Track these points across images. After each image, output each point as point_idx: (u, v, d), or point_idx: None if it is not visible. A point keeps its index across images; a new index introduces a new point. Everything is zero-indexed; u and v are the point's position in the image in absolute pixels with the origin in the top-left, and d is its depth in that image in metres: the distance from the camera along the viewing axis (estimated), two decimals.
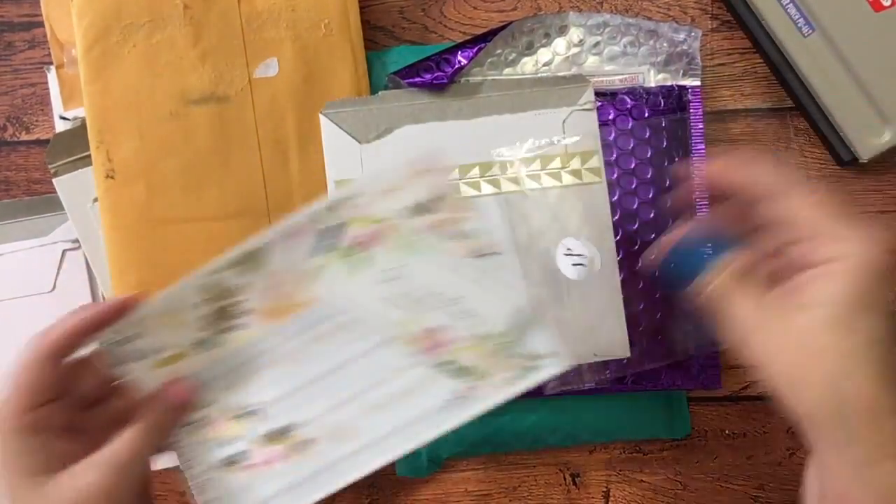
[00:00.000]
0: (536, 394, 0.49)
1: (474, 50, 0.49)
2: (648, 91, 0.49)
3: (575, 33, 0.50)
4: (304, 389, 0.41)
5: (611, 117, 0.49)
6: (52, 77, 0.52)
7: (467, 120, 0.48)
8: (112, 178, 0.47)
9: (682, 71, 0.50)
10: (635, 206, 0.48)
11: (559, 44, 0.50)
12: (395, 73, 0.49)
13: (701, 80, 0.50)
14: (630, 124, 0.49)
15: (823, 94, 0.50)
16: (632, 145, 0.49)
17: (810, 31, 0.49)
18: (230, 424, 0.41)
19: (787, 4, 0.49)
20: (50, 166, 0.50)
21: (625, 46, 0.50)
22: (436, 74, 0.49)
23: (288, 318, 0.40)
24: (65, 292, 0.51)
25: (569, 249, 0.48)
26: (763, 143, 0.52)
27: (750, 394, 0.53)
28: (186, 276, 0.39)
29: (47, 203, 0.51)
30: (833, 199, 0.34)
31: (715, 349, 0.49)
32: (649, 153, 0.49)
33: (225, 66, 0.48)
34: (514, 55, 0.50)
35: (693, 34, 0.50)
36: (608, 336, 0.48)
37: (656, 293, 0.48)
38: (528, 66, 0.51)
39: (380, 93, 0.49)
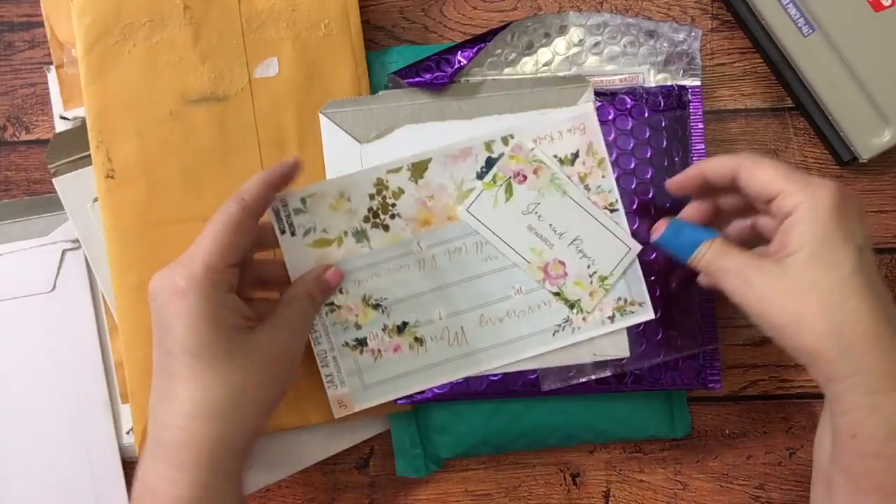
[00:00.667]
0: (536, 394, 0.49)
1: (474, 50, 0.49)
2: (648, 91, 0.49)
3: (575, 33, 0.50)
4: (429, 294, 0.47)
5: (610, 117, 0.49)
6: (51, 77, 0.52)
7: (467, 120, 0.48)
8: (112, 177, 0.47)
9: (681, 71, 0.50)
10: (635, 206, 0.48)
11: (559, 44, 0.50)
12: (395, 72, 0.49)
13: (701, 80, 0.50)
14: (630, 124, 0.49)
15: (823, 94, 0.50)
16: (632, 145, 0.49)
17: (810, 31, 0.49)
18: (358, 312, 0.47)
19: (787, 4, 0.49)
20: (50, 166, 0.50)
21: (625, 46, 0.50)
22: (436, 74, 0.49)
23: (433, 229, 0.47)
24: (65, 292, 0.51)
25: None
26: (763, 143, 0.53)
27: (750, 394, 0.53)
28: (362, 169, 0.47)
29: (47, 203, 0.51)
30: (782, 163, 0.39)
31: (715, 347, 0.49)
32: (649, 153, 0.49)
33: (225, 65, 0.48)
34: (514, 55, 0.51)
35: (693, 34, 0.50)
36: (608, 335, 0.48)
37: (656, 292, 0.48)
38: (527, 66, 0.51)
39: (380, 93, 0.49)
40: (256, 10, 0.48)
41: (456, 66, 0.49)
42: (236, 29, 0.48)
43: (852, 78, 0.49)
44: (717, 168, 0.41)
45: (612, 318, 0.48)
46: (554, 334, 0.48)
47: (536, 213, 0.47)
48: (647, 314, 0.48)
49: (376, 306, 0.47)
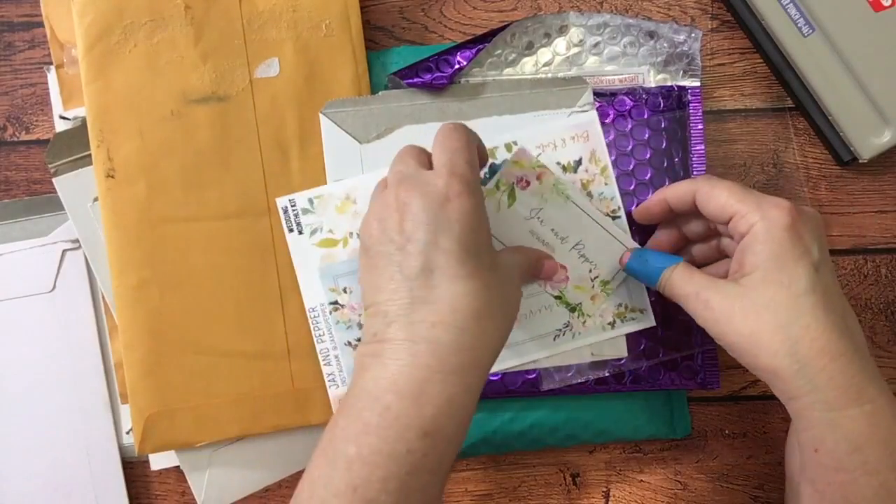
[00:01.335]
0: (536, 394, 0.49)
1: (474, 50, 0.49)
2: (648, 92, 0.49)
3: (575, 33, 0.50)
4: None
5: (610, 118, 0.49)
6: (51, 77, 0.52)
7: (467, 120, 0.48)
8: (112, 177, 0.47)
9: (681, 71, 0.50)
10: (634, 207, 0.48)
11: (559, 44, 0.51)
12: (396, 73, 0.49)
13: (701, 81, 0.50)
14: (629, 125, 0.49)
15: (823, 94, 0.50)
16: (631, 146, 0.49)
17: (810, 32, 0.49)
18: (361, 312, 0.47)
19: (787, 4, 0.49)
20: (50, 166, 0.50)
21: (625, 47, 0.50)
22: (436, 75, 0.49)
23: None
24: (65, 292, 0.51)
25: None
26: (763, 143, 0.53)
27: (750, 394, 0.53)
28: (369, 172, 0.48)
29: (47, 203, 0.51)
30: (737, 184, 0.40)
31: (713, 347, 0.49)
32: (648, 154, 0.49)
33: (226, 65, 0.48)
34: (514, 55, 0.51)
35: (693, 35, 0.50)
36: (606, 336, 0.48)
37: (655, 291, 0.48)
38: (527, 66, 0.51)
39: (380, 93, 0.49)
40: (257, 10, 0.48)
41: (456, 67, 0.49)
42: (237, 29, 0.48)
43: (852, 78, 0.49)
44: (678, 193, 0.42)
45: (612, 324, 0.48)
46: (555, 339, 0.48)
47: (539, 218, 0.47)
48: (648, 321, 0.48)
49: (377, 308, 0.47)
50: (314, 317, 0.48)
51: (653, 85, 0.50)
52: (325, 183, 0.48)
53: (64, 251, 0.51)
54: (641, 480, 0.53)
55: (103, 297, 0.51)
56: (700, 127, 0.50)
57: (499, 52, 0.50)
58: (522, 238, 0.47)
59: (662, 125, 0.49)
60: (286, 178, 0.49)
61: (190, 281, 0.48)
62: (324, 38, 0.49)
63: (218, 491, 0.50)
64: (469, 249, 0.35)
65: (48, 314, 0.51)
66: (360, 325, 0.47)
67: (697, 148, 0.50)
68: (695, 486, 0.53)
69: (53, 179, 0.50)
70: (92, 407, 0.51)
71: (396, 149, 0.44)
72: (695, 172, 0.49)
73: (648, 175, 0.49)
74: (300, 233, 0.47)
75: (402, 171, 0.38)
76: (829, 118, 0.50)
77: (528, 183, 0.47)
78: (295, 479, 0.52)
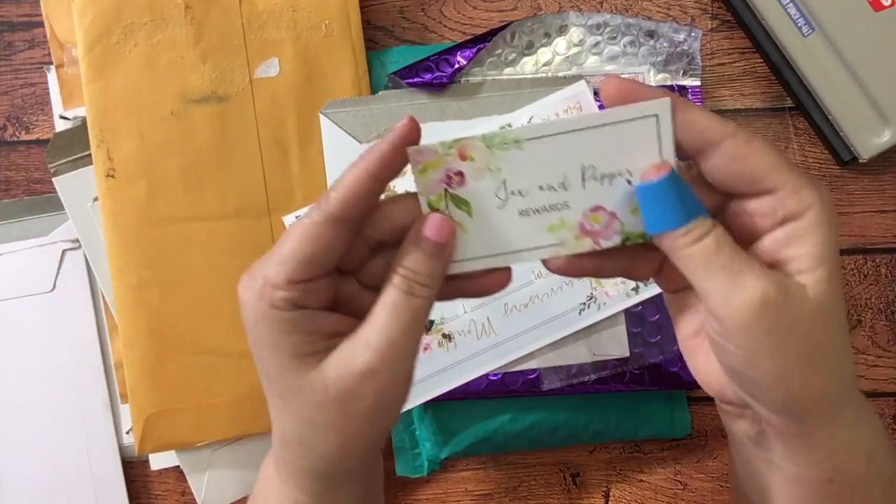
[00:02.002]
0: (536, 394, 0.49)
1: (474, 50, 0.49)
2: None
3: (575, 33, 0.50)
4: None
5: None
6: (51, 77, 0.52)
7: (467, 120, 0.48)
8: (112, 177, 0.47)
9: (681, 71, 0.50)
10: None
11: (559, 43, 0.51)
12: (395, 72, 0.49)
13: (701, 80, 0.50)
14: None
15: (823, 94, 0.50)
16: None
17: (810, 31, 0.49)
18: None
19: (787, 4, 0.49)
20: (50, 166, 0.50)
21: (625, 46, 0.50)
22: (435, 74, 0.49)
23: None
24: (65, 292, 0.51)
25: None
26: None
27: None
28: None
29: (47, 203, 0.51)
30: (771, 146, 0.29)
31: None
32: None
33: (226, 65, 0.48)
34: (514, 55, 0.51)
35: (693, 34, 0.50)
36: (607, 336, 0.48)
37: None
38: (528, 65, 0.51)
39: (380, 93, 0.49)
40: (257, 10, 0.48)
41: (456, 67, 0.49)
42: (237, 29, 0.48)
43: (852, 78, 0.49)
44: (701, 126, 0.29)
45: (636, 290, 0.48)
46: (580, 312, 0.48)
47: (514, 192, 0.31)
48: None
49: None
50: None
51: (653, 84, 0.50)
52: (326, 183, 0.48)
53: (64, 251, 0.51)
54: (641, 480, 0.53)
55: (103, 297, 0.51)
56: None
57: (499, 51, 0.50)
58: (525, 230, 0.32)
59: None
60: (286, 178, 0.49)
61: (190, 281, 0.48)
62: (324, 37, 0.49)
63: (218, 491, 0.50)
64: (265, 376, 0.31)
65: (48, 314, 0.51)
66: None
67: None
68: (695, 486, 0.53)
69: (53, 179, 0.50)
70: (92, 406, 0.51)
71: None
72: None
73: None
74: None
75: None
76: (829, 118, 0.50)
77: (460, 174, 0.31)
78: None
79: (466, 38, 0.50)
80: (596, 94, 0.49)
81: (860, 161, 0.50)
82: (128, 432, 0.51)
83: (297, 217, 0.48)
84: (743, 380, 0.29)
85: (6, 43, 0.53)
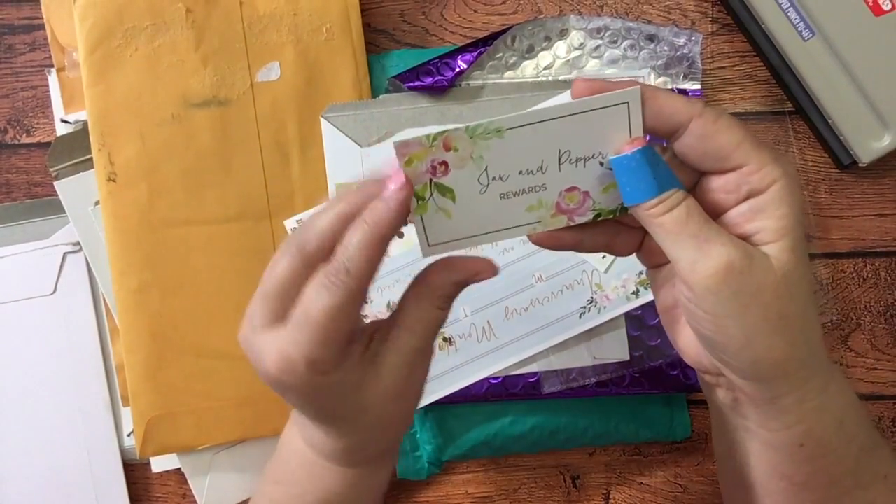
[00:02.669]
0: (536, 397, 0.49)
1: (475, 54, 0.49)
2: None
3: (575, 37, 0.50)
4: None
5: None
6: (52, 80, 0.52)
7: (467, 124, 0.48)
8: (114, 180, 0.48)
9: (682, 74, 0.50)
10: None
11: (560, 47, 0.51)
12: (396, 76, 0.49)
13: (701, 84, 0.50)
14: None
15: (823, 98, 0.50)
16: None
17: (810, 35, 0.49)
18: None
19: (788, 8, 0.49)
20: (51, 169, 0.50)
21: (625, 50, 0.50)
22: (436, 78, 0.49)
23: None
24: (66, 295, 0.51)
25: None
26: None
27: None
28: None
29: (48, 206, 0.51)
30: (739, 124, 0.30)
31: None
32: None
33: (227, 69, 0.48)
34: (514, 59, 0.51)
35: (694, 38, 0.50)
36: (608, 339, 0.48)
37: None
38: (528, 69, 0.51)
39: (380, 96, 0.49)
40: (258, 14, 0.48)
41: (456, 70, 0.49)
42: (238, 33, 0.48)
43: (852, 82, 0.49)
44: (670, 110, 0.30)
45: (636, 293, 0.48)
46: (580, 316, 0.48)
47: (495, 177, 0.33)
48: None
49: None
50: None
51: None
52: (326, 186, 0.48)
53: (65, 254, 0.51)
54: (641, 483, 0.53)
55: (104, 300, 0.51)
56: None
57: (499, 55, 0.50)
58: (505, 211, 0.34)
59: None
60: (287, 181, 0.49)
61: (191, 284, 0.48)
62: (324, 41, 0.49)
63: (219, 494, 0.51)
64: (300, 419, 0.36)
65: (49, 317, 0.51)
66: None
67: None
68: (695, 489, 0.53)
69: (55, 183, 0.50)
70: (93, 409, 0.51)
71: None
72: None
73: None
74: None
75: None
76: (829, 122, 0.50)
77: (444, 164, 0.33)
78: None
79: (467, 41, 0.50)
80: None
81: (860, 165, 0.50)
82: (129, 435, 0.51)
83: (297, 221, 0.48)
84: (714, 346, 0.31)
85: (7, 45, 0.53)
